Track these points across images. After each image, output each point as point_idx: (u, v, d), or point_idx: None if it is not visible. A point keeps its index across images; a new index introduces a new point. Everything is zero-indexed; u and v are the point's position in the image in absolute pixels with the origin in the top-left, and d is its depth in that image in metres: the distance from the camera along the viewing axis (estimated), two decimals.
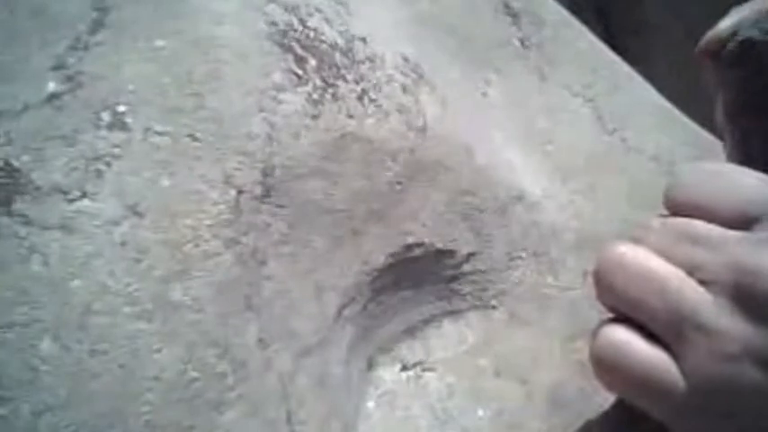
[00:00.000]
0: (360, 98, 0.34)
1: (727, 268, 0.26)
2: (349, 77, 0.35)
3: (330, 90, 0.34)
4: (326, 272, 0.32)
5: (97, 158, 0.28)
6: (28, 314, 0.25)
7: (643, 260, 0.28)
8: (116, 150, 0.28)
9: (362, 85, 0.35)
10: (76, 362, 0.25)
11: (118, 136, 0.29)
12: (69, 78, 0.29)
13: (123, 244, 0.27)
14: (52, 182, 0.27)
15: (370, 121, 0.34)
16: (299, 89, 0.33)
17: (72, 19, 0.31)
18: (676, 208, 0.29)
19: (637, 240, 0.29)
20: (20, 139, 0.27)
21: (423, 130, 0.36)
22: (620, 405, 0.33)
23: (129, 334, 0.26)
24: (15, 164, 0.27)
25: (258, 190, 0.30)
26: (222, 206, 0.29)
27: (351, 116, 0.34)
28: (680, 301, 0.27)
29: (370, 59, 0.36)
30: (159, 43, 0.31)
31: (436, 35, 0.42)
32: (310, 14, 0.35)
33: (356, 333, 0.34)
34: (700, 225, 0.28)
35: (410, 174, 0.35)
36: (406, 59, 0.38)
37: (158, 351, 0.26)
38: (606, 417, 0.34)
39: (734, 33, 0.30)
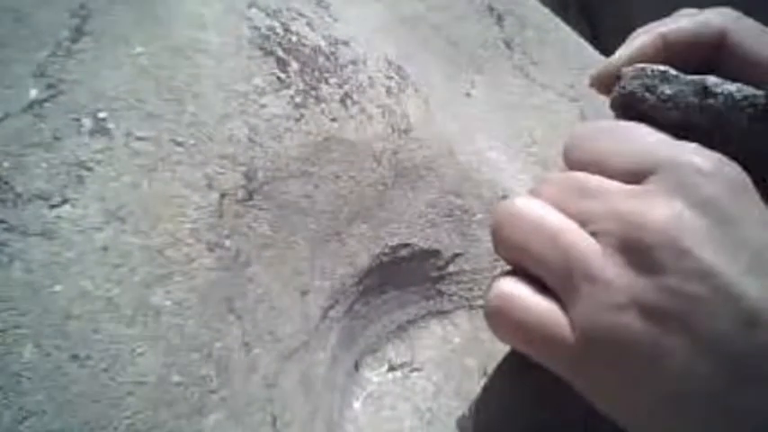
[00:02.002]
0: (342, 101, 0.34)
1: (614, 220, 0.26)
2: (332, 80, 0.35)
3: (313, 93, 0.34)
4: (311, 274, 0.32)
5: (78, 164, 0.28)
6: (9, 320, 0.25)
7: (537, 212, 0.28)
8: (97, 156, 0.28)
9: (345, 87, 0.35)
10: (57, 367, 0.25)
11: (99, 142, 0.29)
12: (51, 85, 0.29)
13: (105, 249, 0.27)
14: (33, 188, 0.27)
15: (353, 123, 0.34)
16: (282, 92, 0.33)
17: (53, 26, 0.31)
18: (573, 164, 0.30)
19: (534, 194, 0.30)
20: (0, 145, 0.28)
21: (406, 131, 0.36)
22: (514, 355, 0.33)
23: (111, 339, 0.26)
24: None
25: (241, 193, 0.30)
26: (204, 210, 0.29)
27: (333, 119, 0.34)
28: (571, 252, 0.27)
29: (353, 62, 0.36)
30: (140, 49, 0.31)
31: (420, 37, 0.42)
32: (293, 19, 0.36)
33: (342, 334, 0.34)
34: (593, 179, 0.28)
35: (394, 175, 0.35)
36: (389, 62, 0.38)
37: (140, 355, 0.26)
38: (500, 368, 0.33)
39: (620, 80, 0.30)
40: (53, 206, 0.27)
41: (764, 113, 0.26)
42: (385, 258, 0.35)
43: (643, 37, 0.30)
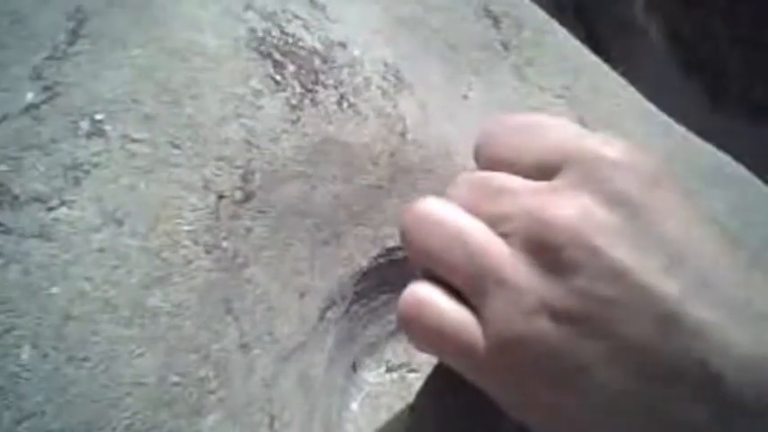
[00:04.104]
0: (339, 103, 0.35)
1: (522, 219, 0.25)
2: (328, 82, 0.35)
3: (309, 95, 0.34)
4: (308, 275, 0.32)
5: (75, 166, 0.28)
6: (7, 322, 0.25)
7: (444, 214, 0.27)
8: (94, 158, 0.29)
9: (342, 89, 0.35)
10: (56, 368, 0.25)
11: (96, 144, 0.29)
12: (47, 88, 0.29)
13: (102, 251, 0.27)
14: (30, 190, 0.27)
15: (349, 125, 0.34)
16: (278, 95, 0.33)
17: (50, 28, 0.31)
18: (484, 163, 0.28)
19: (446, 196, 0.28)
20: None
21: (403, 133, 0.36)
22: (441, 373, 0.31)
23: (109, 340, 0.26)
24: None
25: (238, 195, 0.31)
26: (202, 211, 0.29)
27: (330, 121, 0.34)
28: (481, 256, 0.25)
29: (350, 64, 0.36)
30: (137, 51, 0.31)
31: (417, 38, 0.42)
32: (289, 21, 0.36)
33: (340, 335, 0.34)
34: (502, 177, 0.27)
35: (391, 177, 0.36)
36: (385, 63, 0.38)
37: (139, 356, 0.26)
38: (426, 388, 0.32)
39: None
40: (50, 208, 0.27)
41: None
42: (382, 260, 0.35)
43: None
